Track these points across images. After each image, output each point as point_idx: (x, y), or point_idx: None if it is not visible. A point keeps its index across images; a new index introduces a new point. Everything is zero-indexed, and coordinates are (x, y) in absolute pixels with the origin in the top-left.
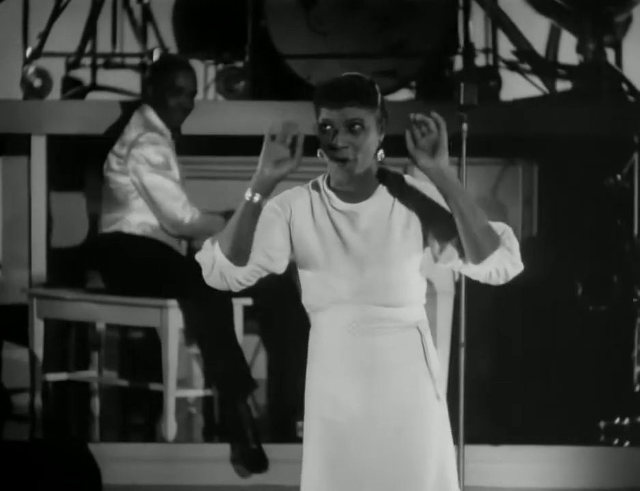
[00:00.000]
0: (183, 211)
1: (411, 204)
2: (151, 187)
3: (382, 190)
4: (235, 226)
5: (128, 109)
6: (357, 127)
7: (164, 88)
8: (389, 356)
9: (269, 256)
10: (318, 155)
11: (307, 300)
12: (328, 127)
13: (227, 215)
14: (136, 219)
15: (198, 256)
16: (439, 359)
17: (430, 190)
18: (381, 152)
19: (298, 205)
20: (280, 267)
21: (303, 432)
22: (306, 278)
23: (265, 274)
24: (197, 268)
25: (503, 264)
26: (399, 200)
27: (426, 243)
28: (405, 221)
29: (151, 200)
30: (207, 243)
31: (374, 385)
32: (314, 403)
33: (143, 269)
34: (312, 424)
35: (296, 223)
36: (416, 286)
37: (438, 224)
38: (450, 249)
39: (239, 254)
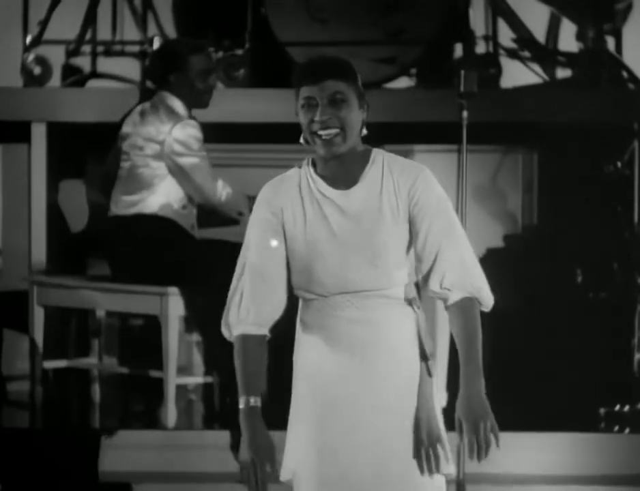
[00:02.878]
0: (221, 189)
1: (401, 188)
2: (193, 168)
3: (370, 173)
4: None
5: (128, 97)
6: (338, 98)
7: (191, 73)
8: (378, 331)
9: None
10: (302, 140)
11: (297, 291)
12: (308, 104)
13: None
14: (159, 201)
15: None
16: (440, 348)
17: (427, 192)
18: (364, 129)
19: (288, 202)
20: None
21: (291, 410)
22: (295, 270)
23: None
24: (208, 253)
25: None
26: (388, 181)
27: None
28: (395, 205)
29: (190, 181)
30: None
31: (365, 359)
32: (303, 379)
33: (160, 251)
34: (301, 399)
35: (288, 221)
36: (406, 267)
37: (420, 241)
38: (423, 265)
39: None
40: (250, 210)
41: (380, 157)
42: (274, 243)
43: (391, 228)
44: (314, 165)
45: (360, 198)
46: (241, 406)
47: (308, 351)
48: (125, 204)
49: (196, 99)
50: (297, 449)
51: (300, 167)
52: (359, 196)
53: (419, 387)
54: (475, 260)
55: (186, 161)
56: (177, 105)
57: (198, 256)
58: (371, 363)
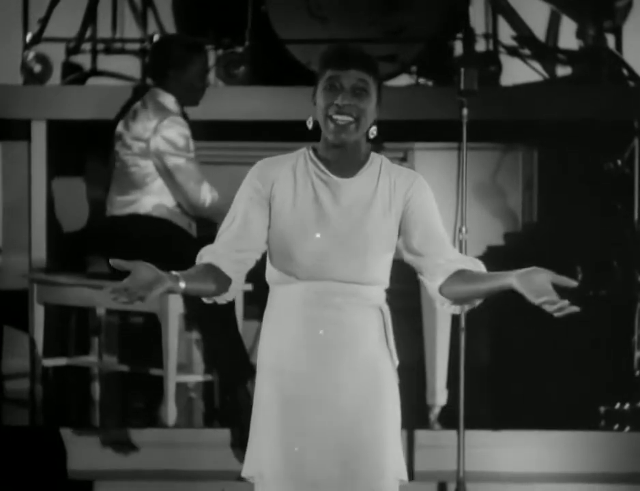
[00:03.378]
0: (205, 192)
1: (397, 190)
2: (175, 169)
3: (368, 169)
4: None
5: (128, 95)
6: (362, 88)
7: (190, 73)
8: (349, 332)
9: (246, 253)
10: (308, 123)
11: (272, 275)
12: (332, 87)
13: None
14: (152, 201)
15: None
16: (440, 348)
17: (424, 195)
18: (373, 128)
19: (281, 177)
20: (258, 254)
21: (253, 408)
22: (276, 251)
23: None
24: None
25: None
26: (384, 180)
27: (400, 231)
28: (387, 202)
29: (174, 182)
30: None
31: (332, 362)
32: (266, 374)
33: (157, 251)
34: (265, 396)
35: (277, 196)
36: (387, 267)
37: (420, 236)
38: (423, 264)
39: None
40: None
41: (378, 158)
42: (259, 218)
43: (379, 224)
44: (314, 150)
45: (354, 190)
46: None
47: (272, 345)
48: (120, 204)
49: (191, 97)
50: (261, 448)
51: (297, 151)
52: (354, 187)
53: (382, 388)
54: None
55: (170, 161)
56: (169, 101)
57: (196, 254)
58: (338, 362)
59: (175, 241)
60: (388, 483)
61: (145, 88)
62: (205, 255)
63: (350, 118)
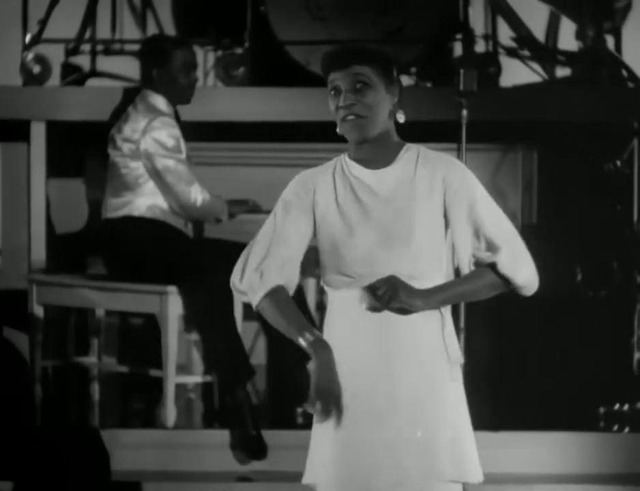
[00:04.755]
0: (196, 193)
1: (436, 175)
2: (164, 170)
3: (404, 157)
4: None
5: (128, 95)
6: (360, 85)
7: (174, 69)
8: (406, 338)
9: (292, 264)
10: (338, 131)
11: (327, 279)
12: (335, 90)
13: (232, 203)
14: (146, 203)
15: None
16: None
17: (460, 181)
18: (400, 114)
19: (321, 183)
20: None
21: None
22: (327, 256)
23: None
24: (202, 253)
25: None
26: (423, 167)
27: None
28: (428, 188)
29: (164, 183)
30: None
31: (388, 365)
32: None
33: (153, 252)
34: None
35: (320, 202)
36: (442, 258)
37: (458, 229)
38: (460, 257)
39: None
40: (230, 216)
41: (415, 147)
42: (299, 219)
43: (423, 212)
44: (349, 154)
45: (392, 179)
46: (304, 343)
47: (333, 341)
48: (113, 206)
49: (179, 95)
50: (320, 452)
51: (330, 165)
52: (391, 176)
53: (440, 391)
54: (522, 246)
55: (159, 162)
56: (159, 102)
57: (193, 254)
58: (393, 368)
59: (170, 242)
60: (441, 486)
61: (138, 90)
62: (265, 285)
63: (357, 117)
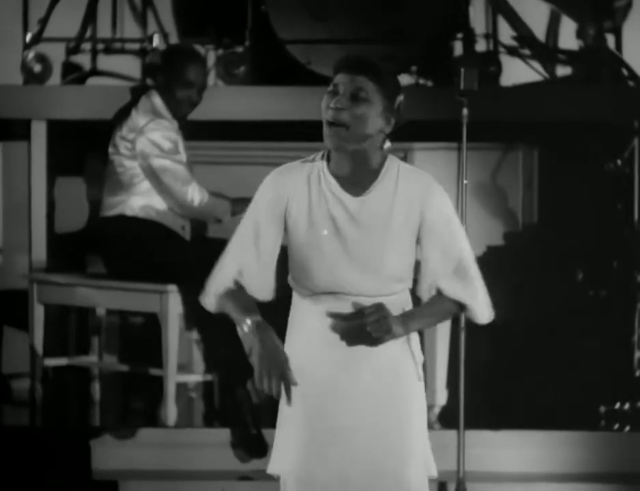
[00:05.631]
0: (193, 193)
1: (414, 206)
2: (161, 170)
3: (383, 181)
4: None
5: (128, 94)
6: (361, 95)
7: (173, 79)
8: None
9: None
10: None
11: (293, 286)
12: (334, 90)
13: (236, 202)
14: (140, 203)
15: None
16: (440, 344)
17: (437, 207)
18: (388, 143)
19: (295, 192)
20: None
21: (279, 406)
22: (295, 266)
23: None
24: (199, 252)
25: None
26: (401, 193)
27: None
28: (405, 218)
29: (160, 183)
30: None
31: (354, 365)
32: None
33: (146, 252)
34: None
35: (292, 212)
36: (411, 277)
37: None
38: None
39: None
40: (233, 214)
41: (395, 165)
42: (269, 228)
43: (398, 240)
44: (328, 159)
45: (372, 207)
46: (245, 328)
47: (296, 349)
48: (108, 205)
49: (175, 106)
50: (285, 446)
51: (313, 160)
52: (371, 204)
53: (408, 389)
54: (478, 275)
55: (155, 162)
56: (160, 104)
57: (186, 255)
58: (359, 366)
59: (163, 243)
60: (416, 479)
61: (142, 89)
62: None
63: (340, 125)
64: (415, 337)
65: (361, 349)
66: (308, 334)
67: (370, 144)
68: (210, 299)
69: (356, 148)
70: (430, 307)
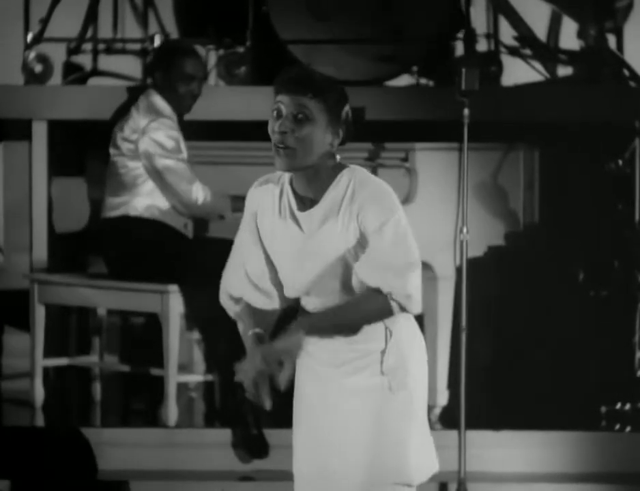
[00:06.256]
0: (197, 192)
1: (352, 215)
2: (165, 170)
3: (331, 194)
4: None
5: (129, 94)
6: (301, 116)
7: (173, 76)
8: (348, 348)
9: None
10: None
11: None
12: (277, 112)
13: (236, 199)
14: (144, 203)
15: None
16: (440, 344)
17: (367, 212)
18: (338, 157)
19: (264, 207)
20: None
21: (293, 407)
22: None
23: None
24: (202, 252)
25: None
26: (348, 202)
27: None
28: (347, 224)
29: (164, 183)
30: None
31: (337, 374)
32: (299, 382)
33: (151, 252)
34: (297, 401)
35: (260, 226)
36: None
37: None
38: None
39: None
40: (233, 211)
41: (347, 178)
42: (249, 238)
43: (347, 253)
44: (292, 180)
45: (318, 220)
46: (248, 341)
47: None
48: (111, 206)
49: (178, 103)
50: (297, 443)
51: (278, 180)
52: (317, 217)
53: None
54: (411, 271)
55: (159, 162)
56: (161, 103)
57: (192, 254)
58: (339, 367)
59: (168, 242)
60: (387, 488)
61: (142, 89)
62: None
63: (289, 144)
64: (395, 348)
65: (338, 365)
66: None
67: (320, 160)
68: (229, 303)
69: (305, 168)
70: (340, 306)
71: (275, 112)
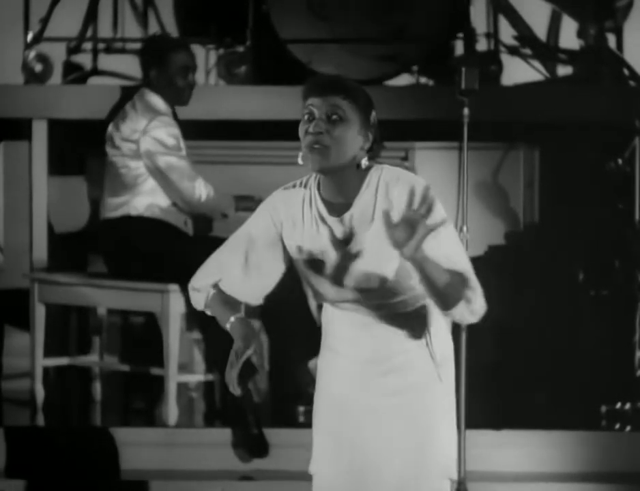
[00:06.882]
0: (200, 189)
1: (395, 205)
2: (167, 168)
3: (363, 197)
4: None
5: (129, 94)
6: (335, 117)
7: (171, 71)
8: (388, 345)
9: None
10: (299, 160)
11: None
12: (309, 115)
13: (240, 198)
14: (144, 202)
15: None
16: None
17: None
18: (364, 160)
19: (291, 216)
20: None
21: (314, 407)
22: (302, 279)
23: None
24: (204, 251)
25: (462, 315)
26: (381, 203)
27: None
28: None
29: (166, 181)
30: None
31: (371, 380)
32: (319, 377)
33: (152, 251)
34: (320, 401)
35: (287, 235)
36: (407, 276)
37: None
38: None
39: None
40: (236, 210)
41: (376, 177)
42: (265, 249)
43: (384, 256)
44: (319, 185)
45: (352, 225)
46: (228, 325)
47: (323, 350)
48: (111, 206)
49: (176, 96)
50: (318, 443)
51: (306, 183)
52: (352, 220)
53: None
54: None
55: (161, 160)
56: (157, 101)
57: (193, 253)
58: (378, 366)
59: (169, 240)
60: (433, 484)
61: (136, 89)
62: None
63: (323, 143)
64: (437, 338)
65: (377, 363)
66: (332, 343)
67: (351, 163)
68: (196, 296)
69: (338, 169)
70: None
71: (307, 116)
